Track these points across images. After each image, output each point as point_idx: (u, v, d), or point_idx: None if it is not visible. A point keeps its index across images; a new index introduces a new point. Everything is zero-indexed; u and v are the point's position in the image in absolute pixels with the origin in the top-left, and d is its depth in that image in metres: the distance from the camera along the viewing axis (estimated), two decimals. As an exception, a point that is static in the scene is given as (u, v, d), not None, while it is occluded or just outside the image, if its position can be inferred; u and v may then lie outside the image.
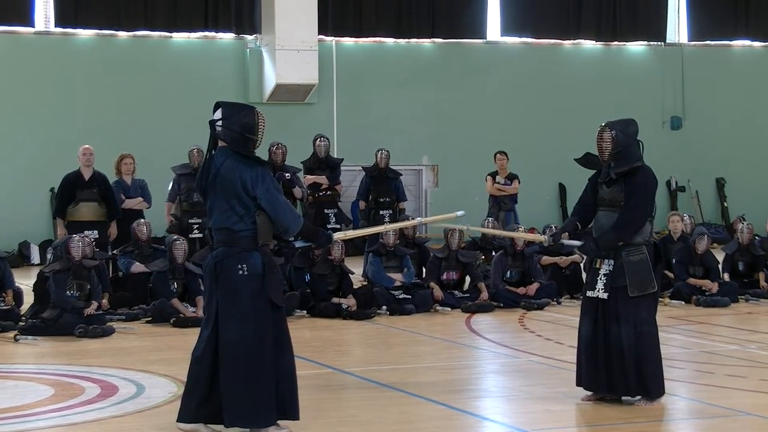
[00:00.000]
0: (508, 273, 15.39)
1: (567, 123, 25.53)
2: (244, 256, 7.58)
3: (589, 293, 8.84)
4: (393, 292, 14.87)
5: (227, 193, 7.60)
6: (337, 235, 8.50)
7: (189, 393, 7.69)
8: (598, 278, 8.77)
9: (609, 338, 8.65)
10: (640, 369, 8.59)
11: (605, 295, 8.71)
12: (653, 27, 27.15)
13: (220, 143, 7.72)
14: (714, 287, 15.36)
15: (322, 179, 17.30)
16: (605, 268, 8.76)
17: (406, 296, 14.79)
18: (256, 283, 7.58)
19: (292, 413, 7.70)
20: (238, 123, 7.64)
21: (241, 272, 7.57)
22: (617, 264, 8.68)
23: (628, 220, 8.63)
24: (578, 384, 8.89)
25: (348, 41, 25.37)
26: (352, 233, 9.43)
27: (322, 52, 24.30)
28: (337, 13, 24.98)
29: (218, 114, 7.70)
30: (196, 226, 16.27)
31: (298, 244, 8.13)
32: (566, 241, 9.11)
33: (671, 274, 15.81)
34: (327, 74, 24.64)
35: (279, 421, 7.65)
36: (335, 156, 19.20)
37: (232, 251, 7.59)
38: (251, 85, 24.28)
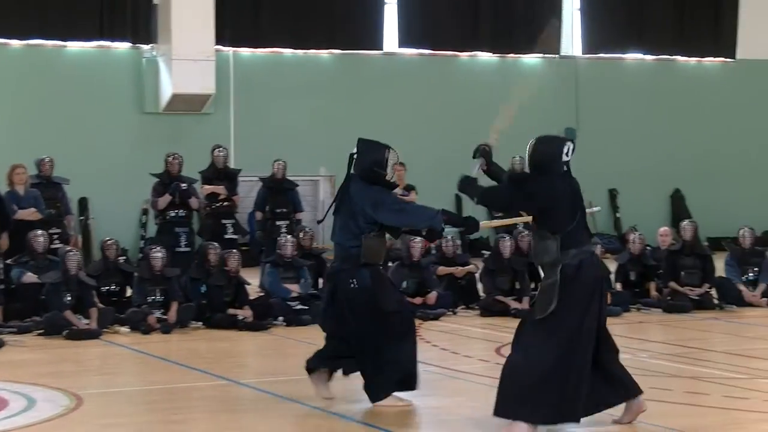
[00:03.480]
0: (405, 283, 15.45)
1: (465, 134, 25.60)
2: (354, 272, 8.86)
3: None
4: (290, 303, 14.86)
5: (349, 213, 8.95)
6: (484, 223, 9.52)
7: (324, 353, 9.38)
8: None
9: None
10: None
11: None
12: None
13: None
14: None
15: (221, 189, 17.21)
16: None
17: (302, 307, 14.78)
18: (367, 294, 8.83)
19: (414, 384, 9.00)
20: (369, 159, 9.01)
21: (352, 285, 8.86)
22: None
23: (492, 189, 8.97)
24: None
25: (245, 51, 25.31)
26: (497, 222, 11.09)
27: (219, 63, 24.20)
28: (234, 23, 24.89)
29: (356, 148, 9.08)
30: None
31: (447, 230, 9.10)
32: (475, 164, 9.18)
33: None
34: (224, 84, 24.55)
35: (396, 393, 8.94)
36: (233, 167, 19.13)
37: (344, 266, 8.92)
38: (147, 95, 24.08)
